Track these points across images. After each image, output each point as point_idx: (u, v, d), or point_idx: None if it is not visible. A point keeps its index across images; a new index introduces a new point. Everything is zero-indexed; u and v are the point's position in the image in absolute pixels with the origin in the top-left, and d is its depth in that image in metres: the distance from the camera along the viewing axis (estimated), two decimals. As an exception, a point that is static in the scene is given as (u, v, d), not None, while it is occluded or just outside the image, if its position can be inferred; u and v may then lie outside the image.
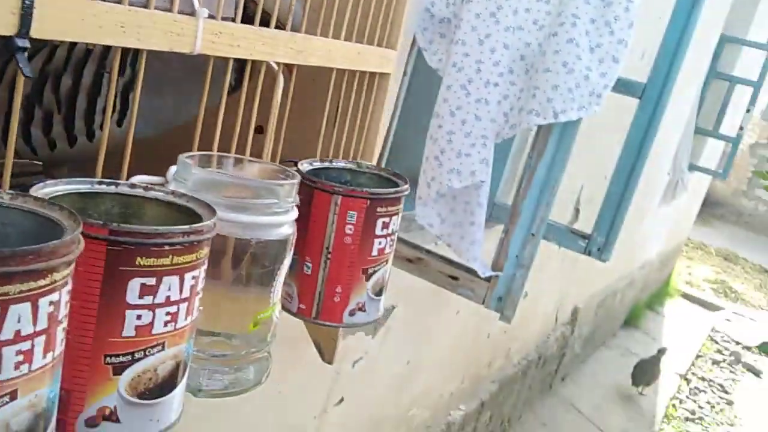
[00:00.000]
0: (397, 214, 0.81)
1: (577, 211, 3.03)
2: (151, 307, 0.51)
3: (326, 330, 1.00)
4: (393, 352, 1.95)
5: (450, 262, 1.46)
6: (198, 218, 0.55)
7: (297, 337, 1.13)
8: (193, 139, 0.67)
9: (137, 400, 0.52)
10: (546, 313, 3.28)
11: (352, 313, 0.81)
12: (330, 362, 1.02)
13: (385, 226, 0.79)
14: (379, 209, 0.77)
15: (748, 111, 4.62)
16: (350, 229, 0.76)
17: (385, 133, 1.59)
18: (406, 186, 0.82)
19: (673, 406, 4.29)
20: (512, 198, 1.56)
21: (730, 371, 5.28)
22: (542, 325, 3.30)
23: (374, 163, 0.95)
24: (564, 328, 3.62)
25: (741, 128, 4.68)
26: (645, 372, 4.07)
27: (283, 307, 0.83)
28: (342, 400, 1.77)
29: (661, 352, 4.21)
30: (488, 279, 1.43)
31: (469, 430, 2.64)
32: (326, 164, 0.83)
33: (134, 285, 0.50)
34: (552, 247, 2.85)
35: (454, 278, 1.48)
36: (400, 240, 1.48)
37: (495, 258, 1.43)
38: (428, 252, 1.49)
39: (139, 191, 0.59)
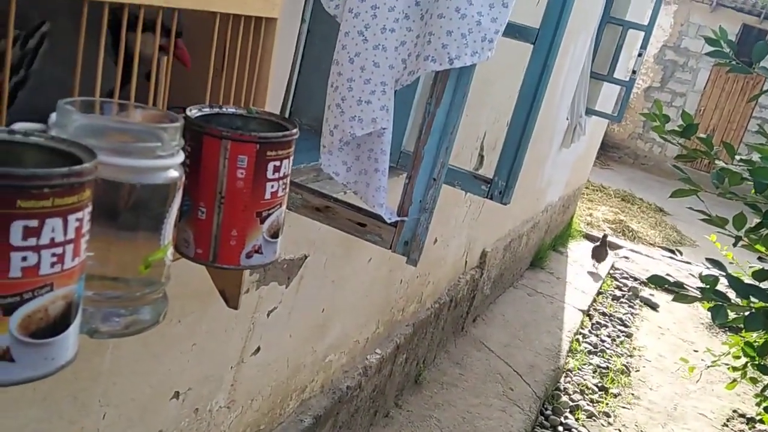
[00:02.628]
0: (288, 157, 0.82)
1: (481, 157, 3.12)
2: (36, 249, 0.52)
3: (229, 277, 1.01)
4: (308, 301, 1.98)
5: (358, 209, 1.48)
6: (79, 162, 0.55)
7: (208, 290, 1.14)
8: (73, 86, 0.65)
9: (30, 340, 0.54)
10: (456, 258, 3.40)
11: (248, 256, 0.82)
12: (235, 308, 1.03)
13: (277, 169, 0.79)
14: (269, 153, 0.77)
15: (639, 55, 4.84)
16: (242, 174, 0.76)
17: (287, 81, 1.58)
18: (296, 130, 0.83)
19: (577, 340, 4.57)
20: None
21: (629, 306, 5.65)
22: (453, 270, 3.42)
23: (268, 109, 0.95)
24: (474, 272, 3.76)
25: (633, 72, 4.90)
26: (600, 254, 5.90)
27: (181, 253, 0.83)
28: (258, 349, 1.79)
29: (605, 236, 6.10)
30: (394, 224, 1.46)
31: (386, 373, 2.73)
32: (216, 110, 0.83)
33: (17, 227, 0.51)
34: (459, 194, 2.94)
35: (362, 225, 1.50)
36: (308, 189, 1.49)
37: (400, 203, 1.46)
38: (336, 200, 1.51)
39: (18, 137, 0.58)
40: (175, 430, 1.55)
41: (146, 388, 1.40)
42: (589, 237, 7.01)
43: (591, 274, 5.88)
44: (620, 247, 7.11)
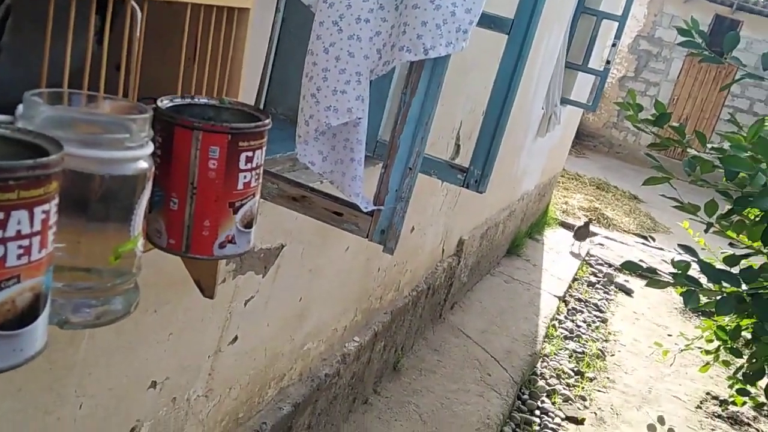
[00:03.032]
0: (260, 148, 0.82)
1: (458, 146, 3.14)
2: (2, 241, 0.52)
3: (204, 267, 1.01)
4: (285, 290, 1.99)
5: (334, 198, 1.49)
6: (46, 154, 0.55)
7: (183, 279, 1.14)
8: (41, 77, 0.65)
9: (-2, 331, 0.53)
10: (433, 246, 3.42)
11: (222, 246, 0.82)
12: (211, 297, 1.03)
13: (249, 160, 0.80)
14: (241, 143, 0.77)
15: (614, 45, 4.88)
16: (214, 164, 0.76)
17: (261, 71, 1.57)
18: (268, 120, 0.83)
19: (553, 326, 4.63)
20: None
21: (604, 292, 5.74)
22: (430, 258, 3.44)
23: (243, 99, 0.95)
24: (451, 260, 3.79)
25: (608, 62, 4.95)
26: (582, 234, 6.24)
27: (154, 243, 0.83)
28: (236, 338, 1.80)
29: (590, 220, 6.54)
30: (371, 213, 1.47)
31: (364, 360, 2.75)
32: (188, 101, 0.83)
33: (-18, 219, 0.50)
34: (436, 183, 2.96)
35: (339, 214, 1.51)
36: (284, 179, 1.49)
37: (376, 192, 1.47)
38: (312, 190, 1.51)
39: (-16, 129, 0.57)
40: (153, 420, 1.55)
41: (123, 377, 1.40)
42: (564, 225, 7.08)
43: (572, 254, 6.09)
44: (595, 234, 7.20)
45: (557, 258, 5.90)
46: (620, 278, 6.06)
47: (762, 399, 3.67)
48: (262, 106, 1.70)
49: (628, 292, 5.88)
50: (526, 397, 3.66)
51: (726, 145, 2.58)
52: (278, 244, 1.86)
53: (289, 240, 1.90)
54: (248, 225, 0.85)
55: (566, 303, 5.18)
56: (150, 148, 0.68)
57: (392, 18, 1.39)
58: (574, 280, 5.68)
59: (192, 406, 1.70)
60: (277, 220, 1.79)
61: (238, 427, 1.96)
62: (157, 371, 1.51)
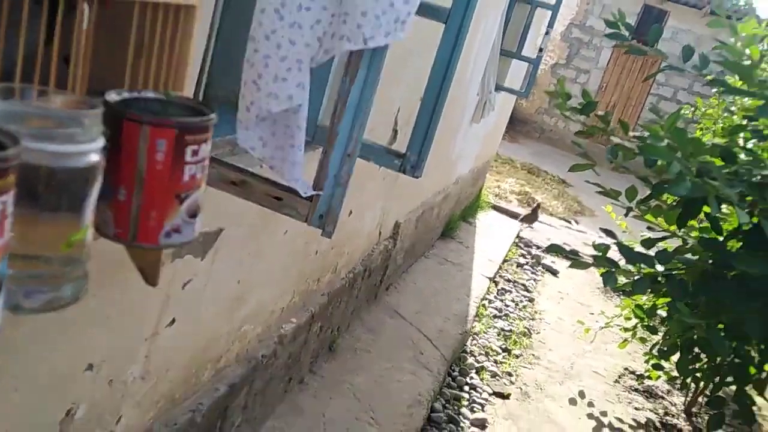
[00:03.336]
0: (206, 141, 0.85)
1: (395, 131, 3.20)
2: (-38, 231, 0.53)
3: (148, 255, 1.03)
4: (223, 273, 2.00)
5: (274, 183, 1.50)
6: (3, 148, 0.56)
7: (122, 261, 1.15)
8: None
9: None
10: (370, 229, 3.48)
11: (168, 235, 0.85)
12: (154, 285, 1.05)
13: (195, 153, 0.82)
14: (187, 137, 0.80)
15: (546, 33, 5.03)
16: (161, 157, 0.79)
17: (202, 55, 1.57)
18: (213, 115, 0.85)
19: (483, 306, 4.79)
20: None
21: (532, 272, 5.96)
22: (367, 240, 3.50)
23: (187, 92, 0.96)
24: (387, 242, 3.86)
25: (540, 50, 5.09)
26: (530, 218, 6.89)
27: (101, 233, 0.85)
28: (174, 321, 1.81)
29: (539, 204, 7.11)
30: (310, 198, 1.50)
31: (301, 341, 2.79)
32: (135, 94, 0.84)
33: (-60, 211, 0.52)
34: (373, 167, 3.00)
35: (279, 199, 1.53)
36: (224, 164, 1.50)
37: (315, 178, 1.50)
38: (252, 174, 1.53)
39: (-62, 122, 0.58)
40: (89, 402, 1.55)
41: (59, 360, 1.40)
42: (497, 208, 7.29)
43: (519, 237, 6.66)
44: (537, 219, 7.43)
45: (489, 240, 6.08)
46: (547, 260, 6.30)
47: (675, 373, 3.92)
48: (202, 91, 1.70)
49: (555, 273, 6.12)
50: (456, 374, 3.79)
51: (647, 133, 2.74)
52: (217, 228, 1.87)
53: (228, 224, 1.91)
54: (193, 215, 0.88)
55: (496, 283, 5.36)
56: (101, 142, 0.70)
57: (333, 7, 1.42)
58: (504, 261, 5.87)
59: (128, 388, 1.71)
60: (216, 204, 1.80)
61: (175, 408, 1.98)
62: (94, 354, 1.51)
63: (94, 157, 0.69)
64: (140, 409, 1.80)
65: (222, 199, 1.63)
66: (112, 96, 0.80)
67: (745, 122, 3.31)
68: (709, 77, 2.82)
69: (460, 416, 3.40)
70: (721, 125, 5.72)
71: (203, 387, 2.12)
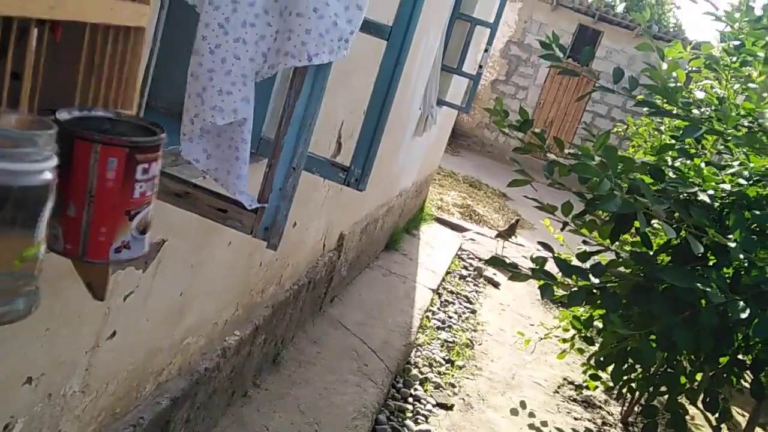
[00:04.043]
0: (156, 160, 0.87)
1: (339, 144, 3.23)
2: None
3: (96, 270, 1.03)
4: (165, 285, 1.99)
5: (219, 195, 1.51)
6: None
7: (63, 274, 1.14)
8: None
9: None
10: (315, 241, 3.49)
11: (117, 251, 0.86)
12: (102, 299, 1.05)
13: (146, 171, 0.84)
14: (138, 156, 0.82)
15: (486, 50, 5.17)
16: (112, 175, 0.80)
17: (144, 66, 1.58)
18: (164, 135, 0.87)
19: (427, 317, 4.85)
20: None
21: (474, 284, 6.07)
22: (311, 252, 3.52)
23: (134, 109, 0.98)
24: (331, 254, 3.88)
25: (480, 66, 5.23)
26: (509, 233, 7.15)
27: (50, 248, 0.85)
28: (114, 333, 1.79)
29: (518, 221, 7.45)
30: (255, 210, 1.51)
31: (244, 354, 2.78)
32: (85, 112, 0.86)
33: None
34: (318, 180, 3.03)
35: (223, 211, 1.54)
36: (167, 175, 1.50)
37: (261, 190, 1.51)
38: (196, 186, 1.53)
39: None
40: (28, 416, 1.52)
41: (-4, 375, 1.37)
42: (439, 220, 7.40)
43: (496, 255, 6.57)
44: (467, 230, 7.57)
45: (432, 252, 6.16)
46: (489, 272, 6.43)
47: (611, 383, 4.06)
48: (144, 101, 1.69)
49: (496, 285, 6.25)
50: (400, 385, 3.83)
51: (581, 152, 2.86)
52: (159, 239, 1.86)
53: (170, 235, 1.91)
54: (143, 231, 0.90)
55: (440, 295, 5.44)
56: (54, 161, 0.72)
57: (277, 23, 1.45)
58: (447, 273, 5.96)
59: (68, 401, 1.68)
60: (159, 215, 1.78)
61: (115, 422, 1.95)
62: (33, 367, 1.48)
63: (48, 175, 0.71)
64: (80, 423, 1.77)
65: (165, 211, 1.63)
66: (63, 114, 0.81)
67: (672, 141, 3.49)
68: (639, 97, 2.97)
69: (405, 428, 3.44)
70: (651, 144, 5.99)
71: (145, 400, 2.09)
